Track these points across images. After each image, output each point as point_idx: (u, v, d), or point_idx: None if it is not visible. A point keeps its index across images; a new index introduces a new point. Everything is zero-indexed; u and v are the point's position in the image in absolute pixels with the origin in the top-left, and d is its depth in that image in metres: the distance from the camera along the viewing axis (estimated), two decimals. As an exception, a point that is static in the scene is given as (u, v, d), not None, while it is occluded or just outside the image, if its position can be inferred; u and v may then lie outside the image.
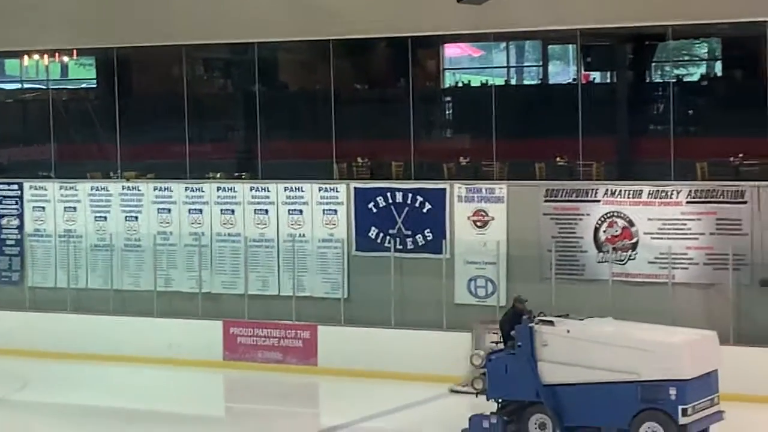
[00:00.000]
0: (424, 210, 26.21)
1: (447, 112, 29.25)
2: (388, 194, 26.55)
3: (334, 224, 26.27)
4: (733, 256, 23.07)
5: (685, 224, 23.97)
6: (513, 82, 28.58)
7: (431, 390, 23.53)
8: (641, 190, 24.48)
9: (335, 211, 26.20)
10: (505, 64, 28.73)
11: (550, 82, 29.10)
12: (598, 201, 24.72)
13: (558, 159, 25.96)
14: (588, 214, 24.74)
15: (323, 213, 26.26)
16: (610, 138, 26.66)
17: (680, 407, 17.87)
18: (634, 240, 24.44)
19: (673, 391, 18.00)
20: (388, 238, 26.50)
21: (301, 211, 26.44)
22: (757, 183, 23.76)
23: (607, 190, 24.74)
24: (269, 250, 26.88)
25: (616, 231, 24.58)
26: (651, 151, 26.19)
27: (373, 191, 26.80)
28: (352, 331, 25.51)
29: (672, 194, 24.24)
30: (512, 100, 27.47)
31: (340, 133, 26.99)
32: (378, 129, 28.57)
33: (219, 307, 27.33)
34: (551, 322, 19.37)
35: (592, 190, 24.88)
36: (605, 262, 24.52)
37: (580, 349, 18.95)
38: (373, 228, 26.57)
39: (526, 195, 25.55)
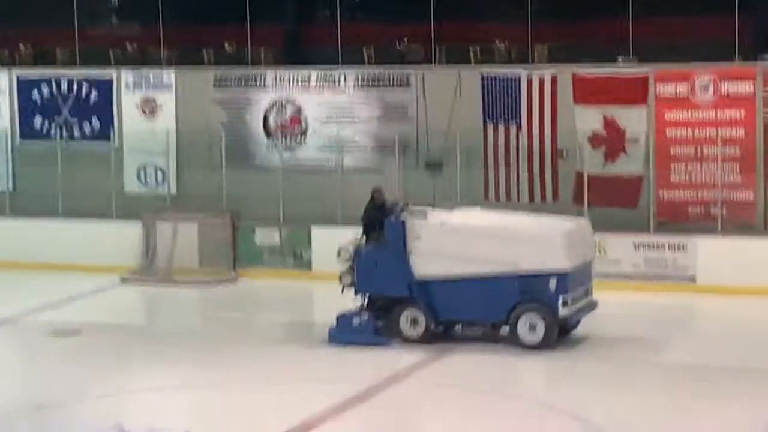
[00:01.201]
0: (91, 98, 25.72)
1: (112, -1, 29.49)
2: (53, 82, 25.74)
3: (-4, 114, 26.44)
4: (399, 141, 23.42)
5: (352, 110, 24.10)
6: (178, -30, 29.00)
7: (102, 280, 23.59)
8: (309, 76, 24.57)
9: (-4, 100, 26.36)
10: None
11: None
12: (267, 87, 24.89)
13: (227, 45, 25.71)
14: (257, 101, 24.70)
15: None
16: (278, 24, 26.59)
17: (561, 297, 17.93)
18: (303, 127, 24.43)
19: (553, 283, 18.05)
20: (53, 127, 25.63)
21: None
22: (421, 68, 24.34)
23: (275, 76, 24.70)
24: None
25: (285, 118, 24.67)
26: (319, 37, 26.43)
27: (36, 80, 25.88)
28: (19, 223, 24.99)
29: (339, 80, 24.23)
30: (177, -14, 28.26)
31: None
32: (41, 16, 27.44)
33: None
34: (424, 214, 19.04)
35: (261, 75, 24.91)
36: (275, 149, 24.63)
37: (456, 242, 18.68)
38: (38, 117, 25.77)
39: (195, 82, 25.47)
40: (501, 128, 23.66)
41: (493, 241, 18.35)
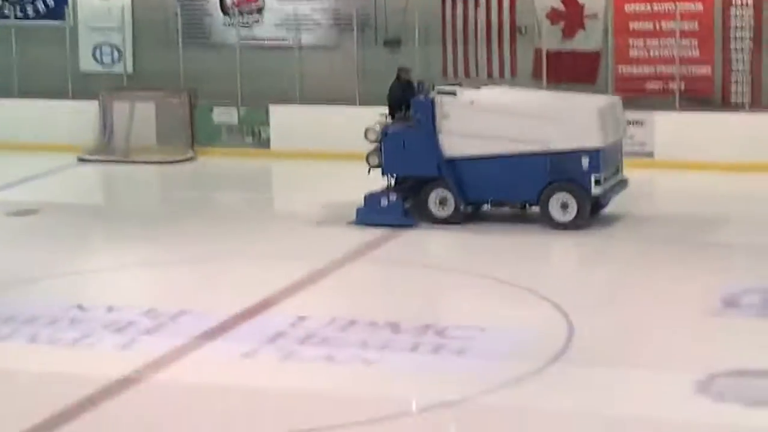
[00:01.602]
0: None
1: None
2: None
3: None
4: (357, 18, 23.03)
5: None
6: None
7: (59, 160, 23.46)
8: None
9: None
10: None
11: None
12: None
13: None
14: None
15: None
16: None
17: (593, 176, 17.68)
18: (259, 3, 24.05)
19: (585, 161, 17.76)
20: (6, 5, 25.34)
21: None
22: None
23: None
24: None
25: None
26: None
27: None
28: None
29: None
30: None
31: None
32: None
33: None
34: (453, 93, 18.59)
35: None
36: (231, 25, 24.21)
37: (486, 120, 18.28)
38: None
39: None
40: (459, 4, 23.40)
41: (524, 119, 18.19)
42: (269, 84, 23.93)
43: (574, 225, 17.59)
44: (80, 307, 15.36)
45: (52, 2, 25.35)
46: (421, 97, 18.43)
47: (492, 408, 11.79)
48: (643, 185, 20.52)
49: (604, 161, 17.69)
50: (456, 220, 18.03)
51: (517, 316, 14.33)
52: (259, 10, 24.37)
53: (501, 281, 16.02)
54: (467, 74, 23.39)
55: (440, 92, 18.26)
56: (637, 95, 22.57)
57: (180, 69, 24.28)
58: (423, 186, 18.29)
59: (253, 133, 24.49)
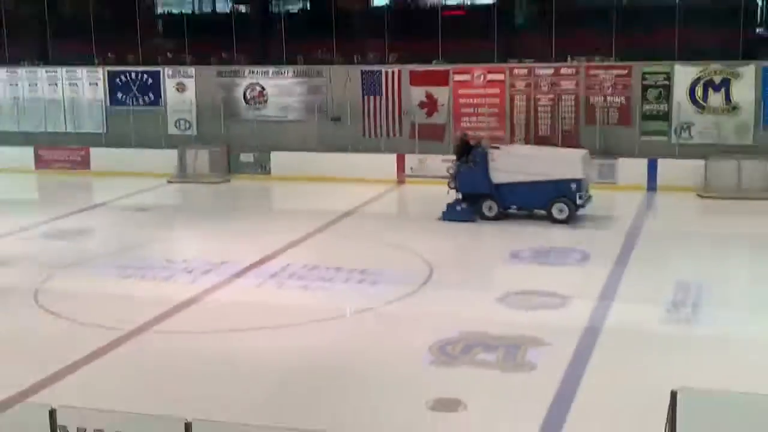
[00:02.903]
0: (148, 82, 29.91)
1: None
2: (128, 74, 30.01)
3: None
4: (317, 105, 28.23)
5: (292, 89, 28.63)
6: None
7: (158, 181, 28.49)
8: (268, 71, 29.12)
9: None
10: None
11: None
12: (245, 77, 29.44)
13: (222, 54, 30.20)
14: (239, 84, 29.50)
15: None
16: (252, 41, 31.01)
17: (578, 194, 20.89)
18: (265, 97, 29.22)
19: (573, 185, 20.83)
20: (126, 97, 29.86)
21: None
22: (329, 67, 28.43)
23: (249, 71, 29.36)
24: None
25: (255, 93, 29.46)
26: (273, 50, 30.79)
27: (118, 71, 30.15)
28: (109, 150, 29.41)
29: (285, 73, 28.94)
30: None
31: None
32: (117, 37, 31.97)
33: None
34: (498, 147, 22.02)
35: (242, 70, 29.57)
36: (249, 109, 29.24)
37: (515, 162, 21.37)
38: (119, 93, 30.11)
39: (206, 73, 29.99)
40: (372, 98, 28.47)
41: (538, 161, 21.43)
42: (270, 140, 29.06)
43: (566, 221, 21.03)
44: (168, 260, 19.20)
45: (153, 96, 30.41)
46: (480, 149, 21.53)
47: (390, 311, 16.04)
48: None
49: (583, 186, 20.83)
50: (497, 217, 21.36)
51: (406, 261, 18.72)
52: (265, 101, 29.48)
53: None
54: (376, 135, 28.27)
55: (490, 147, 21.70)
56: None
57: (221, 132, 29.39)
58: (479, 198, 21.42)
59: (262, 167, 29.20)
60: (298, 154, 28.71)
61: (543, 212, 21.01)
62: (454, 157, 21.94)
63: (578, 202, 20.63)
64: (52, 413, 8.06)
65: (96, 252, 20.39)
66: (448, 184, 21.48)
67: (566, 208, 20.69)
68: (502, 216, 21.35)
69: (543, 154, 22.35)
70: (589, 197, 21.03)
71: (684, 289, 16.57)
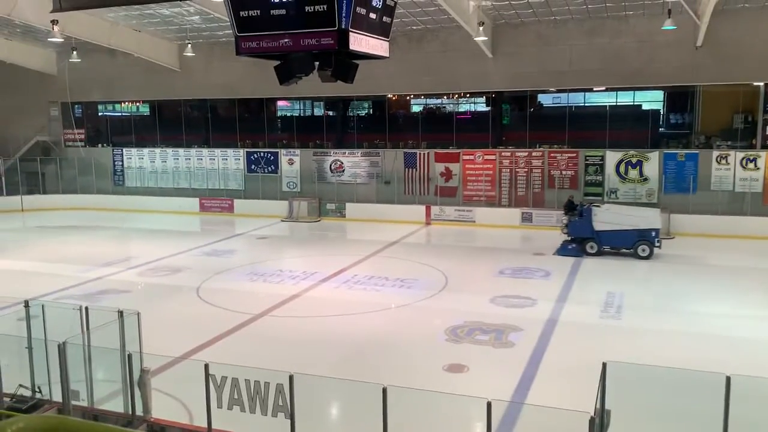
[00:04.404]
0: (270, 159, 32.84)
1: None
2: (257, 154, 32.79)
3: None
4: (375, 173, 30.62)
5: (359, 164, 31.03)
6: None
7: (273, 220, 30.68)
8: (345, 152, 31.47)
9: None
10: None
11: None
12: (330, 155, 32.08)
13: (317, 141, 31.66)
14: (326, 160, 32.14)
15: None
16: (336, 132, 32.46)
17: (656, 239, 21.09)
18: (342, 168, 32.00)
19: (653, 233, 21.00)
20: (256, 167, 33.02)
21: None
22: (384, 149, 30.67)
23: (333, 152, 31.86)
24: None
25: (337, 165, 32.20)
26: (347, 138, 32.71)
27: (251, 151, 32.97)
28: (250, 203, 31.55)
29: (356, 153, 31.67)
30: None
31: None
32: (254, 131, 33.48)
33: None
34: (599, 205, 22.24)
35: (328, 152, 32.30)
36: (333, 175, 31.36)
37: (612, 215, 21.50)
38: (253, 165, 32.58)
39: (305, 153, 32.58)
40: (410, 169, 31.19)
41: (629, 215, 21.64)
42: (346, 195, 31.61)
43: (647, 257, 21.03)
44: (279, 270, 19.93)
45: (273, 167, 33.32)
46: (585, 206, 21.92)
47: (420, 306, 16.13)
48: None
49: (659, 233, 21.17)
50: (596, 254, 21.50)
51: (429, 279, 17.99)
52: (343, 171, 32.17)
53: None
54: (413, 193, 29.99)
55: (593, 204, 22.15)
56: (471, 201, 29.04)
57: (315, 189, 32.07)
58: (584, 240, 21.75)
59: (340, 212, 31.97)
60: (363, 204, 31.01)
61: (630, 251, 21.39)
62: (563, 211, 23.11)
63: (656, 244, 21.24)
64: (206, 367, 8.22)
65: (236, 264, 21.27)
66: (561, 230, 22.56)
67: (648, 249, 21.24)
68: (599, 253, 21.59)
69: (632, 211, 22.40)
70: (661, 242, 21.22)
71: (612, 296, 17.14)
